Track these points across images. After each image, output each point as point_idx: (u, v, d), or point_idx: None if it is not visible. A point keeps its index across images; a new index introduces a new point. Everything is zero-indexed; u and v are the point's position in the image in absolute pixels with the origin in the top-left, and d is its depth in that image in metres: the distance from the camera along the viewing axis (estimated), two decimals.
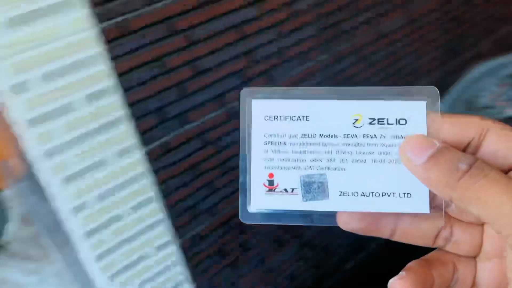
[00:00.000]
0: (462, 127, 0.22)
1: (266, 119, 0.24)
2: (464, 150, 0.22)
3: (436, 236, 0.24)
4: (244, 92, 0.24)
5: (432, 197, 0.23)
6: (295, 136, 0.24)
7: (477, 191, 0.20)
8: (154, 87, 0.59)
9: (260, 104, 0.24)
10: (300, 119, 0.24)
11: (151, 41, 0.56)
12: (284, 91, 0.25)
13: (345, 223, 0.23)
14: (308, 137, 0.24)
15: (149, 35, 0.55)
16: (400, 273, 0.23)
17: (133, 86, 0.58)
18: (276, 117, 0.24)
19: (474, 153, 0.22)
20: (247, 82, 0.67)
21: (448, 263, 0.24)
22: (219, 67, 0.63)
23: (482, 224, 0.24)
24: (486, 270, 0.24)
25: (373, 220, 0.23)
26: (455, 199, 0.21)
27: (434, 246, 0.24)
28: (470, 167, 0.20)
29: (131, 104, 0.58)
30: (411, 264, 0.24)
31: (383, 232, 0.24)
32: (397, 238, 0.24)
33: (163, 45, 0.57)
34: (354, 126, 0.24)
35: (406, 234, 0.24)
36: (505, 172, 0.22)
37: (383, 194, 0.24)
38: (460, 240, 0.24)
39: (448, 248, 0.24)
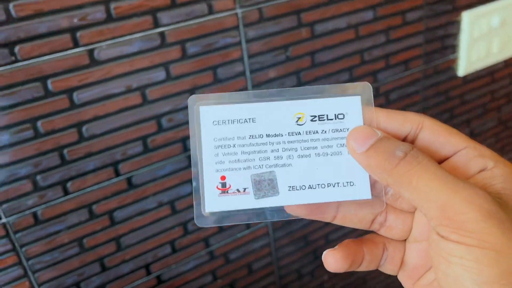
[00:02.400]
0: (400, 122, 0.24)
1: (214, 124, 0.24)
2: (404, 139, 0.24)
3: (373, 221, 0.26)
4: (192, 99, 0.25)
5: (372, 184, 0.25)
6: (243, 138, 0.24)
7: (410, 177, 0.21)
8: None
9: (208, 110, 0.24)
10: (246, 121, 0.25)
11: None
12: (229, 96, 0.25)
13: (292, 211, 0.25)
14: (255, 137, 0.25)
15: None
16: (334, 247, 0.25)
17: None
18: (224, 121, 0.24)
19: None
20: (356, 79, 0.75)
21: (379, 243, 0.26)
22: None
23: (413, 212, 0.25)
24: (413, 250, 0.26)
25: (317, 206, 0.25)
26: (391, 183, 0.22)
27: (370, 229, 0.27)
28: (406, 154, 0.22)
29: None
30: (345, 241, 0.26)
31: (326, 217, 0.26)
32: (338, 222, 0.26)
33: None
34: (297, 124, 0.25)
35: (346, 219, 0.26)
36: (440, 162, 0.23)
37: (328, 185, 0.24)
38: (393, 225, 0.26)
39: (382, 231, 0.26)
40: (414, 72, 0.84)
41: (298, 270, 0.89)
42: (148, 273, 0.71)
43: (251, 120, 0.24)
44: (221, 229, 0.75)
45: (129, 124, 0.61)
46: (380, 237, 0.27)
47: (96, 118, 0.59)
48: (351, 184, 0.24)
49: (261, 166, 0.24)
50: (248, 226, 0.78)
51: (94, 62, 0.56)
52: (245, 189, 0.24)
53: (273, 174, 0.24)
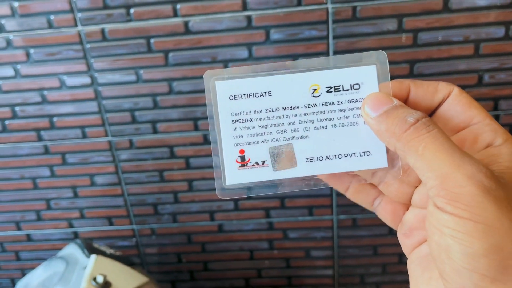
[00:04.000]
0: (431, 92, 0.24)
1: (231, 98, 0.25)
2: (435, 108, 0.24)
3: (373, 174, 0.26)
4: (207, 74, 0.25)
5: (389, 153, 0.25)
6: (260, 111, 0.25)
7: (417, 144, 0.21)
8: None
9: (224, 85, 0.25)
10: (262, 95, 0.25)
11: None
12: (244, 69, 0.25)
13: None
14: (272, 111, 0.25)
15: None
16: None
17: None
18: (240, 95, 0.25)
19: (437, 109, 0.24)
20: None
21: (375, 188, 0.26)
22: None
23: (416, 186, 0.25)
24: (412, 213, 0.25)
25: (335, 175, 0.26)
26: (398, 148, 0.22)
27: (370, 182, 0.26)
28: (417, 121, 0.22)
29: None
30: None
31: (343, 185, 0.26)
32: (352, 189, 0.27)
33: None
34: (313, 96, 0.25)
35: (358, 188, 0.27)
36: (450, 133, 0.23)
37: (346, 155, 0.25)
38: (391, 182, 0.26)
39: (380, 187, 0.26)
40: None
41: (361, 276, 0.87)
42: (212, 219, 0.83)
43: (267, 93, 0.25)
44: (282, 206, 0.80)
45: None
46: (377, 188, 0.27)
47: (185, 78, 0.70)
48: (368, 153, 0.25)
49: (278, 139, 0.25)
50: (311, 213, 0.80)
51: (188, 31, 0.67)
52: (263, 161, 0.25)
53: (291, 146, 0.25)
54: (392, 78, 0.24)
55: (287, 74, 0.25)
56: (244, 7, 0.65)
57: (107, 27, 0.67)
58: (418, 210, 0.25)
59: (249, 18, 0.66)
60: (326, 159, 0.25)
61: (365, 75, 0.25)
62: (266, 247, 0.85)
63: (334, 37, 0.66)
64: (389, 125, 0.22)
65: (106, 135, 0.76)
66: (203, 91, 0.70)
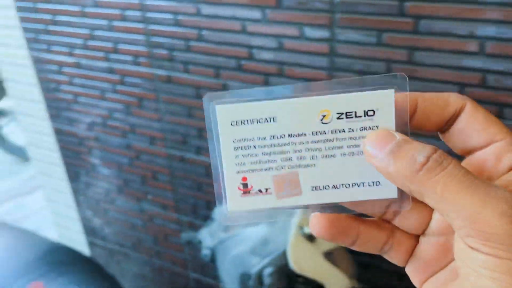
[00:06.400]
0: (441, 106, 0.22)
1: (232, 124, 0.23)
2: (446, 123, 0.23)
3: (386, 210, 0.24)
4: (207, 97, 0.23)
5: None
6: (264, 138, 0.23)
7: (434, 185, 0.20)
8: None
9: (225, 109, 0.23)
10: (267, 120, 0.23)
11: None
12: (248, 93, 0.23)
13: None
14: (277, 138, 0.23)
15: None
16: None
17: None
18: (242, 121, 0.23)
19: (452, 125, 0.23)
20: None
21: (386, 228, 0.24)
22: None
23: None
24: (429, 244, 0.24)
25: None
26: (414, 191, 0.21)
27: (383, 219, 0.25)
28: (428, 159, 0.20)
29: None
30: (341, 215, 0.24)
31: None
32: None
33: None
34: (322, 123, 0.23)
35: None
36: (468, 152, 0.23)
37: (353, 184, 0.23)
38: (408, 215, 0.24)
39: (396, 222, 0.24)
40: None
41: None
42: None
43: (271, 119, 0.23)
44: None
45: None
46: (389, 224, 0.24)
47: (430, 49, 0.66)
48: (377, 183, 0.23)
49: (283, 167, 0.23)
50: None
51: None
52: (267, 189, 0.24)
53: (296, 174, 0.23)
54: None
55: (294, 99, 0.23)
56: None
57: None
58: (434, 238, 0.23)
59: None
60: (332, 188, 0.23)
61: (381, 100, 0.22)
62: None
63: None
64: (397, 167, 0.20)
65: None
66: (446, 67, 0.65)
